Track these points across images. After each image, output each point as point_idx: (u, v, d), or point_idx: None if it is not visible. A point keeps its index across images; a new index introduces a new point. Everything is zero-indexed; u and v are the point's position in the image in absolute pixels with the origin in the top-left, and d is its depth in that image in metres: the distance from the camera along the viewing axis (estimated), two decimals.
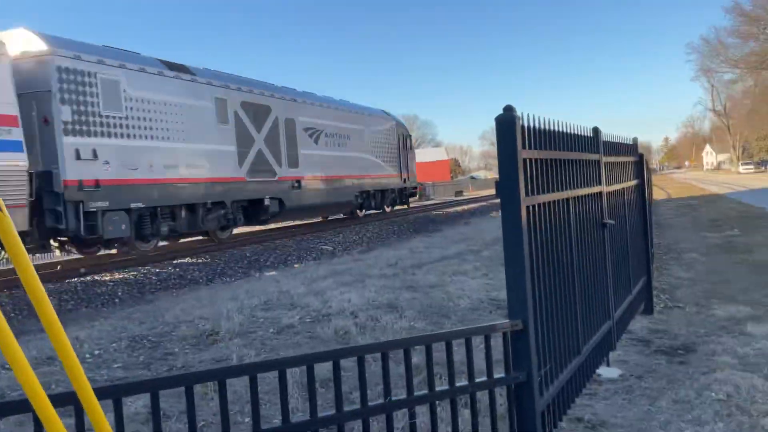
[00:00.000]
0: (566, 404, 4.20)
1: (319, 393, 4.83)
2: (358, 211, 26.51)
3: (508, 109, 3.51)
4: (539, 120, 3.92)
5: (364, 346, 3.05)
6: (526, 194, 3.61)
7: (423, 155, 71.54)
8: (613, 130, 6.50)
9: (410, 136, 33.51)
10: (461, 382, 3.40)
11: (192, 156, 16.32)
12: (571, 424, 4.26)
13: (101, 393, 2.21)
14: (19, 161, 11.83)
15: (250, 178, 18.36)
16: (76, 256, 15.75)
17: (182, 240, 18.23)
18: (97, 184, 13.36)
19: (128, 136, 14.46)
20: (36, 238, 12.95)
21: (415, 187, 33.13)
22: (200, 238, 18.88)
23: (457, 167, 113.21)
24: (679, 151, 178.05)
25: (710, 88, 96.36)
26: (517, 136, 3.50)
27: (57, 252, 15.36)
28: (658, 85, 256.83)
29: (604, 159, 5.73)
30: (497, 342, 3.60)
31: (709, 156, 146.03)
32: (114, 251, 15.94)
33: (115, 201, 13.84)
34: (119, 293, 11.78)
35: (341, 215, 26.73)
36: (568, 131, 4.62)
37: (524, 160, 3.62)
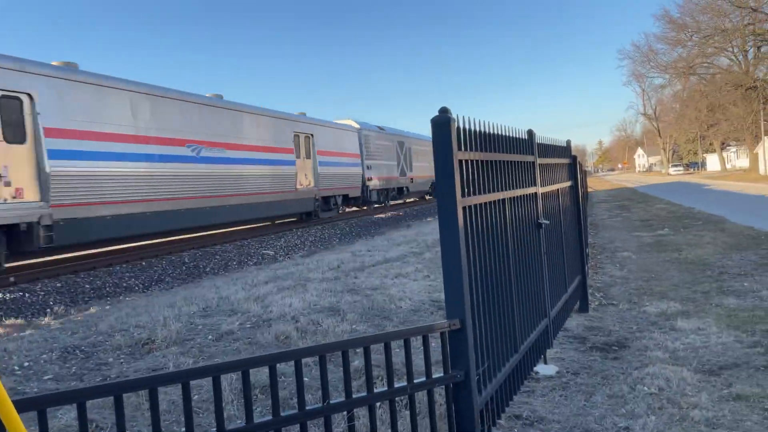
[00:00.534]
0: (505, 402, 4.26)
1: (258, 400, 4.79)
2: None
3: (444, 111, 3.54)
4: (475, 122, 3.97)
5: (301, 349, 3.01)
6: (463, 195, 3.64)
7: None
8: (550, 134, 6.65)
9: None
10: (401, 383, 3.40)
11: (387, 167, 36.08)
12: (510, 422, 4.32)
13: (22, 405, 2.11)
14: None
15: (399, 176, 38.07)
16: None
17: (118, 246, 17.76)
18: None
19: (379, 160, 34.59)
20: None
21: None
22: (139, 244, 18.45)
23: None
24: (613, 153, 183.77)
25: (641, 93, 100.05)
26: (453, 137, 3.53)
27: None
28: (592, 91, 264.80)
29: (539, 161, 5.85)
30: (438, 343, 3.62)
31: (641, 158, 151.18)
32: (47, 258, 15.38)
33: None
34: (51, 303, 11.35)
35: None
36: (504, 133, 4.69)
37: (460, 161, 3.65)
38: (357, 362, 5.34)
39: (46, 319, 9.65)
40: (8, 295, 11.70)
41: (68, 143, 13.90)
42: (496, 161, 4.39)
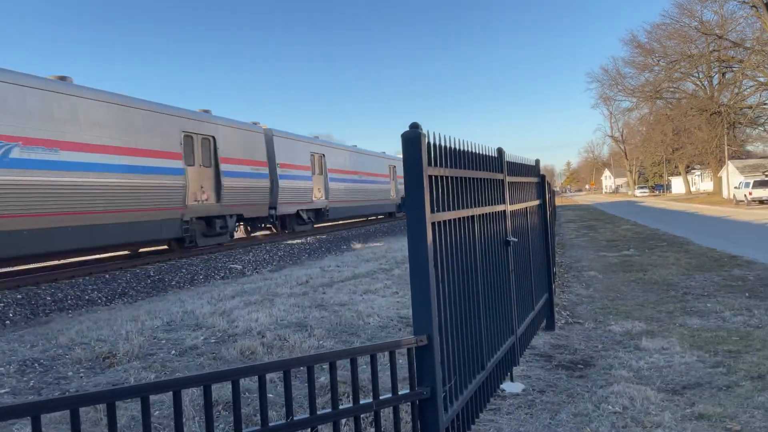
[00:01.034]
0: (471, 420, 4.23)
1: (221, 416, 4.70)
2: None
3: (414, 126, 3.54)
4: (445, 138, 3.98)
5: (266, 364, 2.95)
6: (432, 211, 3.64)
7: None
8: (519, 154, 6.71)
9: None
10: (367, 399, 3.36)
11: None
12: None
13: None
14: None
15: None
16: None
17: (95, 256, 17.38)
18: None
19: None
20: None
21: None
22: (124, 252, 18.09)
23: None
24: (581, 174, 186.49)
25: (609, 115, 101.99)
26: (423, 153, 3.53)
27: None
28: (561, 112, 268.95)
29: (508, 179, 5.89)
30: (406, 360, 3.59)
31: (609, 180, 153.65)
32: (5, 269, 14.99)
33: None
34: (10, 314, 11.05)
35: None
36: (474, 150, 4.72)
37: (430, 177, 3.65)
38: (323, 378, 5.28)
39: (5, 330, 9.39)
40: None
41: (227, 167, 21.32)
42: (465, 178, 4.40)
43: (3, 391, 5.63)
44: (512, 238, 5.75)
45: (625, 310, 8.80)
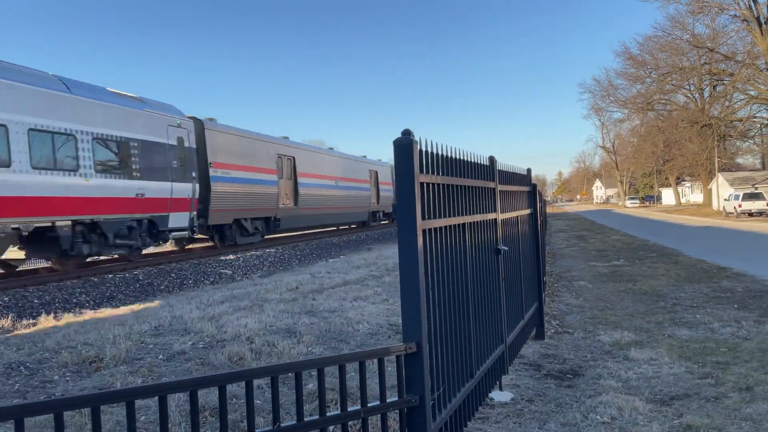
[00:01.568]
0: (459, 428, 4.21)
1: (208, 422, 4.67)
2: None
3: (407, 133, 3.54)
4: (437, 146, 3.97)
5: (253, 369, 2.93)
6: (423, 218, 3.63)
7: None
8: (511, 163, 6.72)
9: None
10: (355, 406, 3.34)
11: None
12: None
13: None
14: None
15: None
16: None
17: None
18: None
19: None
20: None
21: None
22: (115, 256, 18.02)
23: None
24: (572, 184, 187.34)
25: (601, 126, 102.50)
26: (415, 159, 3.52)
27: None
28: (553, 122, 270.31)
29: (500, 187, 5.89)
30: (395, 367, 3.57)
31: (599, 190, 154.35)
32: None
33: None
34: None
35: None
36: (466, 158, 4.72)
37: (422, 184, 3.64)
38: (311, 385, 5.25)
39: None
40: None
41: (306, 179, 28.74)
42: (457, 186, 4.40)
43: None
44: (503, 247, 5.74)
45: (614, 321, 8.81)
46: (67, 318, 10.25)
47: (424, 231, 3.61)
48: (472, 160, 4.92)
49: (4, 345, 7.76)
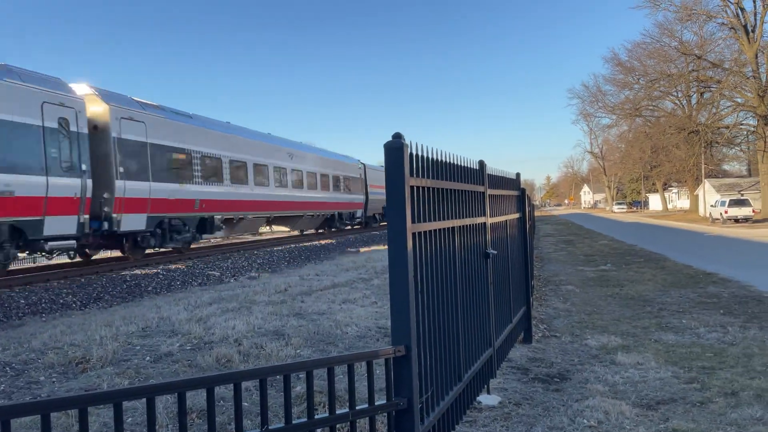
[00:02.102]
0: (447, 431, 4.22)
1: (195, 424, 4.65)
2: None
3: (397, 137, 3.54)
4: (428, 149, 3.98)
5: (241, 372, 2.92)
6: (413, 221, 3.64)
7: None
8: (500, 167, 6.75)
9: None
10: (343, 409, 3.34)
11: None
12: None
13: None
14: None
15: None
16: None
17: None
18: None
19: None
20: None
21: None
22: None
23: None
24: (560, 189, 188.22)
25: (589, 132, 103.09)
26: (405, 163, 3.53)
27: None
28: (542, 127, 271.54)
29: (489, 191, 5.92)
30: (383, 370, 3.58)
31: (587, 195, 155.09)
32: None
33: None
34: None
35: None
36: (456, 162, 4.73)
37: (412, 187, 3.65)
38: (299, 388, 5.24)
39: None
40: None
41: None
42: (447, 189, 4.41)
43: None
44: (492, 251, 5.76)
45: (601, 325, 8.86)
46: (54, 318, 10.18)
47: (413, 234, 3.62)
48: (462, 164, 4.94)
49: None
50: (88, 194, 15.48)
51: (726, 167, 77.11)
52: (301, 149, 31.16)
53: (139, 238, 18.18)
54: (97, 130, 16.32)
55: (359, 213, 39.36)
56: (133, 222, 17.33)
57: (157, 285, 14.96)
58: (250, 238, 33.75)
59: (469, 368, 4.83)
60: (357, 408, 3.34)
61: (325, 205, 33.09)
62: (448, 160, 4.48)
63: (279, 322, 8.37)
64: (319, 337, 7.53)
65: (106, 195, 16.28)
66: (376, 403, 3.42)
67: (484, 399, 5.36)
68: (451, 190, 4.52)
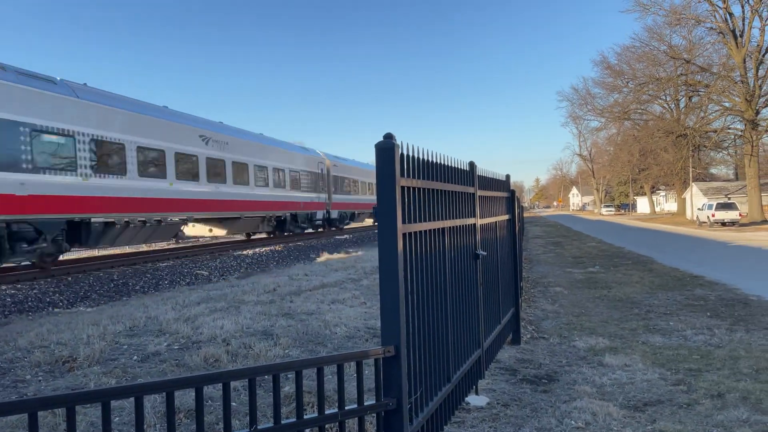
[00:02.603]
0: None
1: (183, 424, 4.62)
2: None
3: (388, 137, 3.54)
4: (418, 150, 3.99)
5: (230, 371, 2.91)
6: (403, 222, 3.64)
7: None
8: (490, 168, 6.76)
9: None
10: (332, 409, 3.33)
11: None
12: None
13: None
14: None
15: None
16: None
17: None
18: None
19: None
20: None
21: None
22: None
23: None
24: (549, 191, 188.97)
25: (578, 134, 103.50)
26: (396, 163, 3.53)
27: None
28: (532, 130, 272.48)
29: (479, 192, 5.93)
30: (372, 371, 3.58)
31: (576, 197, 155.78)
32: None
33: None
34: None
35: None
36: (446, 163, 4.74)
37: (402, 188, 3.65)
38: (288, 388, 5.23)
39: None
40: None
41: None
42: (437, 190, 4.42)
43: None
44: (481, 252, 5.77)
45: (589, 327, 8.89)
46: (40, 317, 10.10)
47: (404, 235, 3.62)
48: (453, 165, 4.95)
49: None
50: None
51: (713, 171, 77.67)
52: (225, 132, 24.84)
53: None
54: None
55: (320, 214, 34.37)
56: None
57: (145, 284, 14.88)
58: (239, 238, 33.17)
59: (458, 369, 4.84)
60: (346, 408, 3.34)
61: (269, 205, 27.78)
62: (438, 161, 4.49)
63: (268, 322, 8.35)
64: (308, 338, 7.51)
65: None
66: (366, 404, 3.41)
67: (473, 400, 5.37)
68: (441, 191, 4.53)
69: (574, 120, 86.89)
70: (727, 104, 50.25)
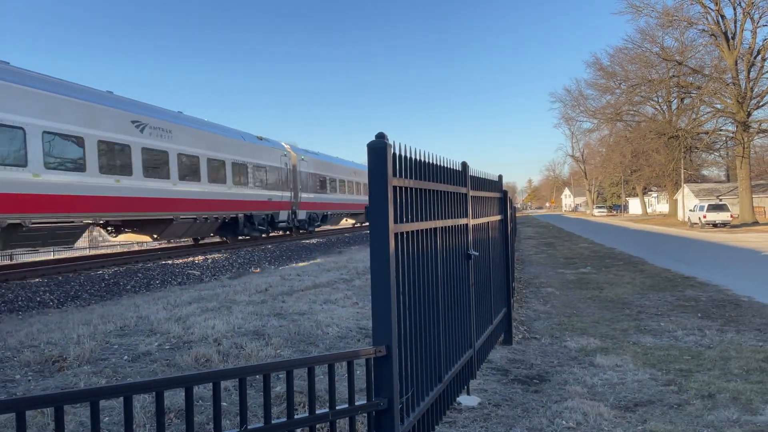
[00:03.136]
0: None
1: (173, 424, 4.60)
2: None
3: (380, 136, 3.54)
4: (411, 150, 3.98)
5: (220, 371, 2.90)
6: (396, 221, 3.63)
7: None
8: (482, 169, 6.76)
9: None
10: (323, 409, 3.32)
11: None
12: None
13: None
14: None
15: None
16: None
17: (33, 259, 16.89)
18: None
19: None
20: None
21: None
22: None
23: None
24: (542, 192, 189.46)
25: (570, 135, 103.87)
26: (388, 163, 3.52)
27: None
28: (525, 130, 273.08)
29: (472, 193, 5.93)
30: (364, 371, 3.57)
31: (568, 198, 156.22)
32: None
33: None
34: None
35: None
36: (439, 163, 4.73)
37: (395, 187, 3.65)
38: (279, 388, 5.22)
39: None
40: None
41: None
42: (429, 190, 4.41)
43: None
44: (473, 252, 5.77)
45: (581, 327, 8.91)
46: (30, 316, 10.04)
47: (396, 234, 3.61)
48: (445, 165, 4.94)
49: None
50: None
51: (705, 172, 78.06)
52: (167, 118, 20.86)
53: None
54: None
55: (284, 215, 29.61)
56: None
57: (136, 284, 14.82)
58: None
59: (450, 369, 4.83)
60: (337, 408, 3.33)
61: (217, 205, 23.41)
62: (431, 161, 4.48)
63: (259, 322, 8.33)
64: (299, 338, 7.49)
65: None
66: (357, 403, 3.41)
67: (464, 400, 5.37)
68: (433, 191, 4.53)
69: (567, 121, 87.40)
70: (718, 106, 50.51)
